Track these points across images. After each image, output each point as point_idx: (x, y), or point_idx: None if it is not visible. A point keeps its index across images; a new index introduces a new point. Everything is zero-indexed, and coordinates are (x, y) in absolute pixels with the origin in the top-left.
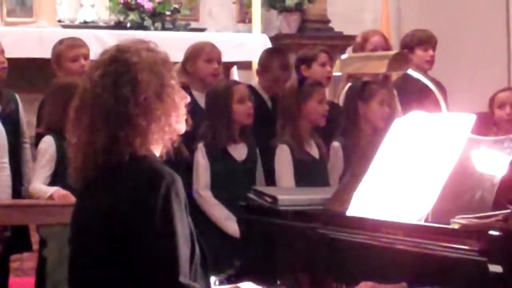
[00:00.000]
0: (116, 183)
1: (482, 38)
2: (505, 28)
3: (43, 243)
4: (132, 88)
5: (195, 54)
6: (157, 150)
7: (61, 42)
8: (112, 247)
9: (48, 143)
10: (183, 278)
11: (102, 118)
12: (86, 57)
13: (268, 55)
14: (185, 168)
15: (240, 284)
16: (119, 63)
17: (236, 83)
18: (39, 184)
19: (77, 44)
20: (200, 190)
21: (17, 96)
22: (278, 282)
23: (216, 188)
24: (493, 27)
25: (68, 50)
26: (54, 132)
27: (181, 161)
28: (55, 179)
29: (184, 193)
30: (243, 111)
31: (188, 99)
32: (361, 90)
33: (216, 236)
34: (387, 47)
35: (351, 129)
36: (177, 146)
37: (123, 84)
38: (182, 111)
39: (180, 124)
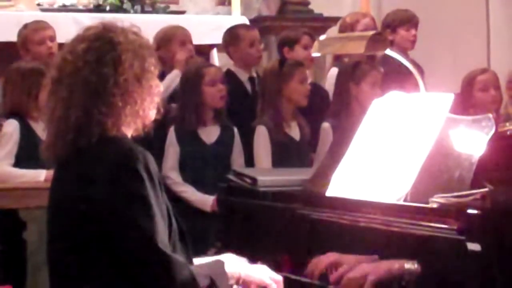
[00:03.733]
0: (88, 165)
1: (461, 19)
2: (484, 9)
3: (23, 226)
4: (114, 67)
5: (167, 39)
6: (128, 133)
7: (25, 26)
8: (88, 230)
9: (13, 126)
10: (163, 247)
11: (80, 93)
12: (52, 39)
13: (228, 31)
14: (152, 151)
15: (222, 256)
16: (104, 41)
17: (208, 65)
18: (9, 167)
19: (41, 26)
20: (167, 172)
21: None
22: (259, 263)
23: (185, 170)
24: (473, 8)
25: (33, 33)
26: (17, 116)
27: (148, 144)
28: (17, 163)
29: (156, 170)
30: (214, 93)
31: (162, 88)
32: (353, 71)
33: (195, 218)
34: (375, 30)
35: (342, 110)
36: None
37: (106, 62)
38: (156, 98)
39: (152, 111)
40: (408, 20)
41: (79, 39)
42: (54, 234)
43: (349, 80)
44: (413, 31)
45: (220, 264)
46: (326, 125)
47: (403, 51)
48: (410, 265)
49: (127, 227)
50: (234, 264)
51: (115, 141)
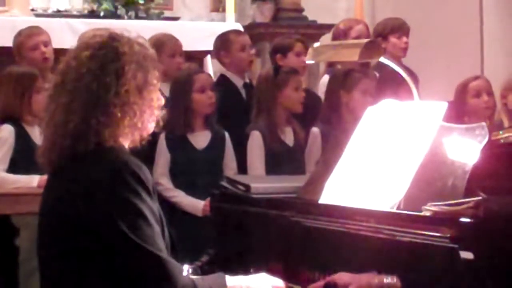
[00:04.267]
0: (83, 174)
1: (455, 27)
2: (478, 17)
3: (15, 232)
4: (116, 77)
5: (157, 49)
6: (125, 144)
7: (19, 33)
8: (80, 238)
9: (8, 131)
10: (158, 252)
11: (80, 100)
12: (46, 44)
13: (219, 37)
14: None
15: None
16: (109, 50)
17: (198, 72)
18: (2, 173)
19: (35, 32)
20: (158, 178)
21: None
22: (252, 270)
23: (177, 176)
24: (467, 16)
25: (27, 39)
26: (11, 121)
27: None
28: (13, 168)
29: (151, 182)
30: (203, 100)
31: (162, 101)
32: (344, 78)
33: (188, 225)
34: (369, 36)
35: (332, 117)
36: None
37: (108, 71)
38: (156, 111)
39: (151, 124)
40: (398, 27)
41: (84, 46)
42: (45, 240)
43: (340, 88)
44: (404, 39)
45: (221, 277)
46: (315, 129)
47: (396, 59)
48: (390, 280)
49: (120, 238)
50: (235, 277)
51: (111, 152)
